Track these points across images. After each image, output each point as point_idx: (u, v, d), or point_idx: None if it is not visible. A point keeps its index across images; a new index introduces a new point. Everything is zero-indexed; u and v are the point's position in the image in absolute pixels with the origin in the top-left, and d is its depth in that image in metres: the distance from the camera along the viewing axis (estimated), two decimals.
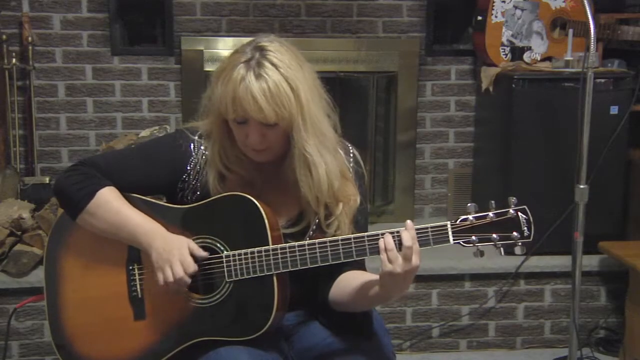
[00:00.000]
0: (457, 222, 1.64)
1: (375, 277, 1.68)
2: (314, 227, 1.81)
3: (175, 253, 1.71)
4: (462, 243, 1.64)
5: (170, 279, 1.70)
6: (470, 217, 1.64)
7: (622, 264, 3.09)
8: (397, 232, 1.63)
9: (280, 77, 1.69)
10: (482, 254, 1.65)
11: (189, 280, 1.72)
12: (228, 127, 1.79)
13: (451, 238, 1.63)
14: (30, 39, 3.40)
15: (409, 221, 1.63)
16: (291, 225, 1.82)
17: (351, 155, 1.90)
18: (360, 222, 1.85)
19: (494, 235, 1.63)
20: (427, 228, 1.64)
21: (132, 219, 1.77)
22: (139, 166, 1.84)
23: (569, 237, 2.74)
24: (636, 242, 3.29)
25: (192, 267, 1.71)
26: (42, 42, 3.48)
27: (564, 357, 3.06)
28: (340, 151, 1.86)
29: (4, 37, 3.39)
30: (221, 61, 1.80)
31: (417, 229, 1.63)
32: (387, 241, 1.61)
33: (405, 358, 3.26)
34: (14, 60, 3.40)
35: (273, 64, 1.69)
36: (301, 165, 1.76)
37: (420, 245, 1.63)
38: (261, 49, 1.71)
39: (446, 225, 1.63)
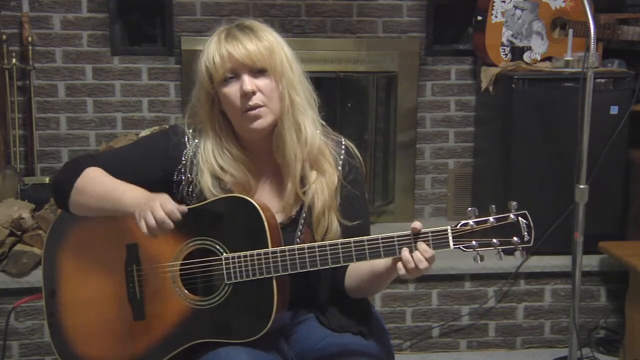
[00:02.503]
0: (458, 226, 1.64)
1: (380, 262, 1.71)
2: (302, 221, 1.81)
3: (156, 198, 1.69)
4: (462, 248, 1.64)
5: (152, 221, 1.65)
6: (470, 221, 1.64)
7: (622, 264, 3.09)
8: (399, 239, 1.64)
9: (264, 28, 1.79)
10: (482, 258, 1.64)
11: (170, 224, 1.65)
12: (221, 121, 1.80)
13: (451, 243, 1.64)
14: (30, 39, 3.40)
15: (430, 249, 1.64)
16: (282, 221, 1.82)
17: (343, 146, 1.89)
18: (359, 210, 1.86)
19: (494, 240, 1.63)
20: (427, 233, 1.64)
21: (117, 188, 1.76)
22: (135, 161, 1.84)
23: (569, 237, 2.73)
24: (636, 242, 3.29)
25: (170, 205, 1.66)
26: (42, 42, 3.49)
27: (564, 357, 3.06)
28: (329, 141, 1.87)
29: (4, 37, 3.39)
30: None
31: (417, 234, 1.64)
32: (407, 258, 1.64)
33: (405, 358, 3.26)
34: (14, 60, 3.41)
35: (254, 23, 1.80)
36: (289, 119, 1.78)
37: None
38: (238, 22, 1.81)
39: (446, 230, 1.64)
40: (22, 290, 2.98)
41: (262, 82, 1.75)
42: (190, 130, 1.85)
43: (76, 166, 1.82)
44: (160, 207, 1.66)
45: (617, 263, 3.18)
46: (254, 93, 1.74)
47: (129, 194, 1.74)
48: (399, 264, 1.64)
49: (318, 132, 1.83)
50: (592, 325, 3.36)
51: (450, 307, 3.30)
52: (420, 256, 1.62)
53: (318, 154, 1.82)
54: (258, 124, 1.77)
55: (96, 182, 1.78)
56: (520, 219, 1.63)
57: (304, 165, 1.80)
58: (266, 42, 1.76)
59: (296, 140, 1.79)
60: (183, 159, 1.83)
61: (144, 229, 1.67)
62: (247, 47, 1.73)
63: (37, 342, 3.10)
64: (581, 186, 2.66)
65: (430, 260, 1.63)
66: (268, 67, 1.75)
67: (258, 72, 1.76)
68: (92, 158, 1.84)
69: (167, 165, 1.83)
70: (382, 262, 1.72)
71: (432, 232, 1.64)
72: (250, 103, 1.75)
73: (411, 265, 1.62)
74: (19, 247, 3.05)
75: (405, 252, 1.63)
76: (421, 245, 1.63)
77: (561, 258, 3.23)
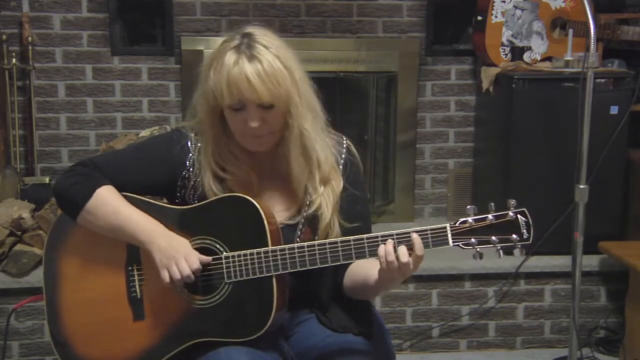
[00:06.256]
0: (457, 224, 1.64)
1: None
2: (302, 220, 1.81)
3: (180, 250, 1.72)
4: (461, 245, 1.64)
5: (177, 275, 1.70)
6: (469, 219, 1.64)
7: (622, 264, 3.09)
8: (398, 237, 1.64)
9: (273, 56, 1.71)
10: (481, 256, 1.65)
11: (193, 277, 1.72)
12: (222, 122, 1.79)
13: (450, 240, 1.63)
14: (30, 39, 3.40)
15: (414, 234, 1.63)
16: (284, 220, 1.82)
17: (344, 146, 1.90)
18: (360, 212, 1.86)
19: (493, 238, 1.63)
20: (426, 230, 1.64)
21: (132, 218, 1.77)
22: (139, 166, 1.84)
23: (569, 237, 2.73)
24: (636, 242, 3.29)
25: (197, 264, 1.71)
26: (42, 42, 3.48)
27: (564, 357, 3.06)
28: (331, 141, 1.86)
29: (4, 37, 3.39)
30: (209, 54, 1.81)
31: (415, 231, 1.63)
32: (388, 250, 1.63)
33: (405, 358, 3.26)
34: (14, 60, 3.40)
35: (264, 46, 1.72)
36: (297, 145, 1.77)
37: None
38: (249, 35, 1.75)
39: (445, 228, 1.63)
40: (22, 290, 2.98)
41: (268, 114, 1.73)
42: (192, 134, 1.84)
43: (85, 185, 1.78)
44: (186, 262, 1.70)
45: (617, 263, 3.18)
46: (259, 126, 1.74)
47: (143, 227, 1.75)
48: (379, 254, 1.63)
49: (329, 148, 1.82)
50: (592, 325, 3.36)
51: (450, 307, 3.31)
52: (404, 250, 1.61)
53: (329, 170, 1.82)
54: (258, 147, 1.78)
55: (108, 208, 1.77)
56: (519, 216, 1.63)
57: (310, 177, 1.80)
58: (273, 72, 1.69)
59: (304, 163, 1.79)
60: (187, 163, 1.82)
61: (167, 279, 1.71)
62: (254, 86, 1.67)
63: (37, 342, 3.10)
64: (581, 186, 2.66)
65: (415, 256, 1.62)
66: (275, 103, 1.72)
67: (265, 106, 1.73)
68: (97, 168, 1.82)
69: (172, 172, 1.83)
70: (374, 277, 1.71)
71: (431, 229, 1.64)
72: (254, 133, 1.74)
73: (391, 257, 1.61)
74: (19, 247, 3.05)
75: (388, 245, 1.62)
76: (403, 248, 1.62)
77: (561, 258, 3.24)
